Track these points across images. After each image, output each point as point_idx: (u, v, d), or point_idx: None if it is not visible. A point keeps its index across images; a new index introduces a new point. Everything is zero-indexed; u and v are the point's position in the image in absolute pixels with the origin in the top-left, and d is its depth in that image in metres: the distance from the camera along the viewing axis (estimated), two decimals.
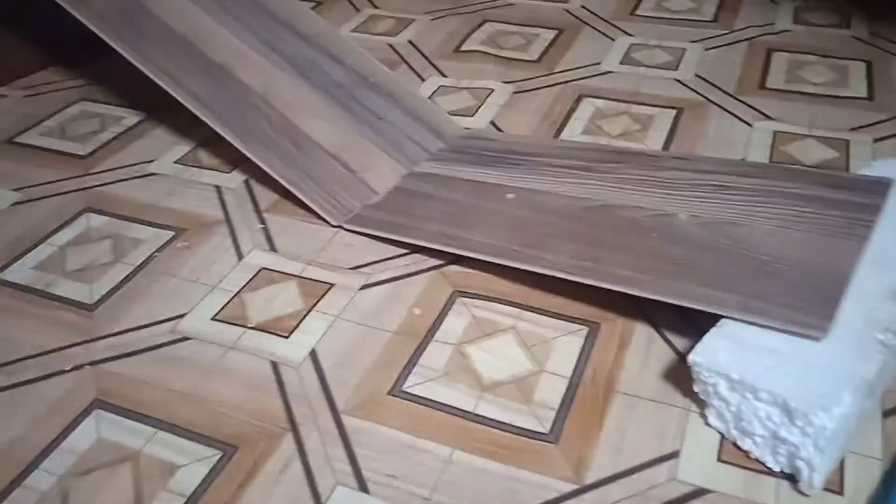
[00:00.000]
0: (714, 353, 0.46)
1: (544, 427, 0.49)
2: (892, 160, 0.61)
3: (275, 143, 0.73)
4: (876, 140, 0.75)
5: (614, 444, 0.47)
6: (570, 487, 0.45)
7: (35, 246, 0.68)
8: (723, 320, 0.49)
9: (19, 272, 0.65)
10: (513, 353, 0.54)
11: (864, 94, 0.83)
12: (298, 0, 0.86)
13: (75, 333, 0.58)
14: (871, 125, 0.78)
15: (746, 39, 0.97)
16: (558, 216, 0.63)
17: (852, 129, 0.77)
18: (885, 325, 0.46)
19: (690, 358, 0.46)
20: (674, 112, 0.83)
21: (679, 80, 0.89)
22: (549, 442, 0.48)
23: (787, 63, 0.91)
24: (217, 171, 0.77)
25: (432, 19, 1.08)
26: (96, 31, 0.75)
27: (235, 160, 0.76)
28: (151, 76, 0.74)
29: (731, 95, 0.85)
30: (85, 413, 0.51)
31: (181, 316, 0.59)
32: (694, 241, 0.57)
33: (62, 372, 0.55)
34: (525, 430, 0.49)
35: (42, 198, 0.75)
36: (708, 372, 0.46)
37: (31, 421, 0.51)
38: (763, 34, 0.98)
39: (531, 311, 0.58)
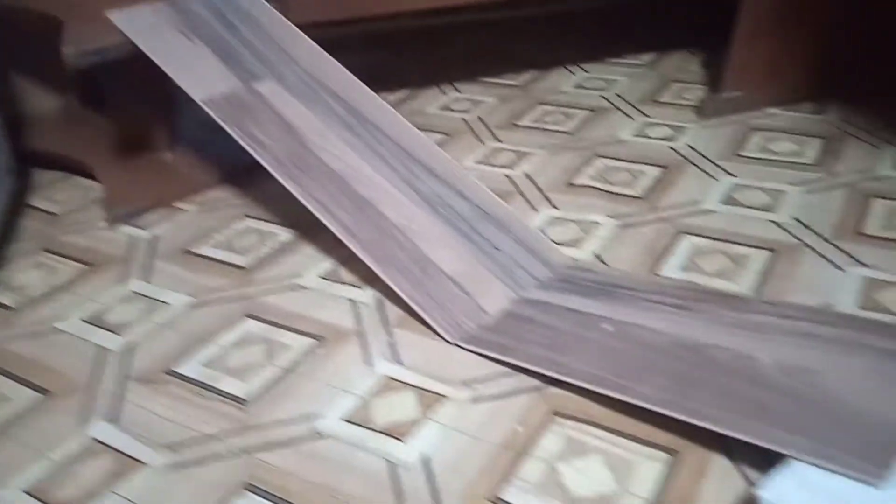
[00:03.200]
0: (780, 490, 0.52)
1: None
2: None
3: (405, 267, 0.85)
4: None
5: None
6: None
7: (204, 346, 0.82)
8: (791, 460, 0.54)
9: (191, 366, 0.79)
10: (600, 473, 0.61)
11: None
12: (433, 143, 1.00)
13: (234, 423, 0.71)
14: None
15: (846, 185, 1.02)
16: (651, 350, 0.71)
17: None
18: None
19: (758, 492, 0.52)
20: (768, 253, 0.89)
21: (776, 222, 0.95)
22: None
23: (886, 210, 0.95)
24: (355, 286, 0.90)
25: (549, 154, 1.20)
26: (271, 171, 0.91)
27: (370, 279, 0.88)
28: (309, 207, 0.89)
29: (826, 240, 0.90)
30: (237, 493, 0.63)
31: (319, 415, 0.70)
32: (773, 385, 0.62)
33: (222, 457, 0.67)
34: None
35: (211, 302, 0.90)
36: None
37: (192, 496, 0.63)
38: (864, 179, 1.03)
39: (620, 436, 0.65)
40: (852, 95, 1.25)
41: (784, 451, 0.55)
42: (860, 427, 0.55)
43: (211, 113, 0.98)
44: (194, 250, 1.02)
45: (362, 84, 1.04)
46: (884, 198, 0.98)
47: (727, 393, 0.62)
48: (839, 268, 0.85)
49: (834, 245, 0.89)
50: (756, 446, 0.57)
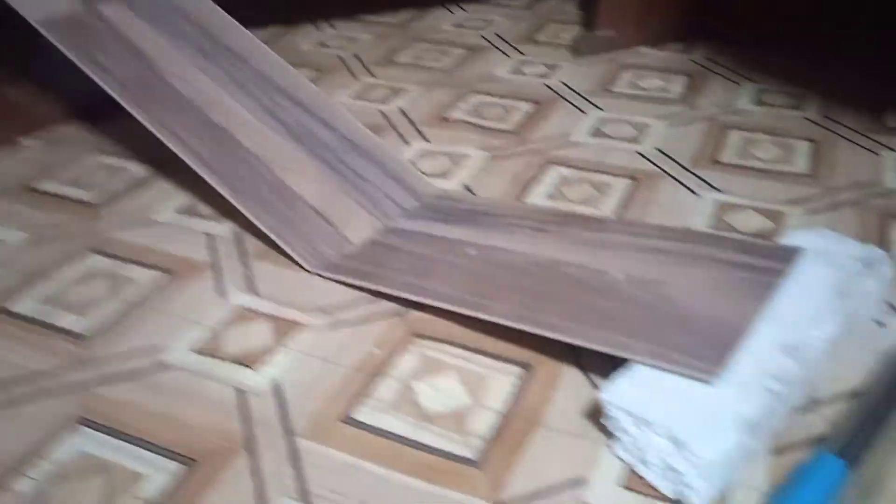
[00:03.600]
0: (620, 392, 0.53)
1: (470, 453, 0.55)
2: (806, 231, 0.68)
3: (265, 199, 0.81)
4: (809, 213, 0.82)
5: (531, 470, 0.53)
6: None
7: (42, 281, 0.76)
8: (634, 364, 0.55)
9: (25, 304, 0.73)
10: (454, 389, 0.61)
11: (806, 171, 0.91)
12: (298, 73, 0.96)
13: (70, 359, 0.66)
14: (807, 199, 0.85)
15: (707, 118, 1.05)
16: (509, 270, 0.70)
17: (789, 203, 0.84)
18: (774, 375, 0.53)
19: (601, 395, 0.53)
20: (631, 181, 0.91)
21: (639, 153, 0.97)
22: (472, 466, 0.54)
23: (741, 140, 0.99)
24: (212, 220, 0.85)
25: (424, 90, 1.18)
26: (117, 97, 0.84)
27: (229, 212, 0.84)
28: (161, 138, 0.83)
29: (684, 168, 0.93)
30: (69, 429, 0.58)
31: (164, 348, 0.66)
32: (622, 296, 0.63)
33: (53, 393, 0.62)
34: (453, 455, 0.55)
35: (53, 239, 0.83)
36: (615, 408, 0.52)
37: (20, 433, 0.58)
38: (723, 113, 1.06)
39: (476, 353, 0.65)
40: (717, 36, 1.29)
41: (626, 356, 0.56)
42: (698, 330, 0.57)
43: (48, 36, 0.89)
44: (37, 187, 0.94)
45: (221, 10, 0.98)
46: (740, 129, 1.02)
47: (579, 306, 0.63)
48: (695, 193, 0.87)
49: (692, 172, 0.92)
50: (606, 358, 0.58)
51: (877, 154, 0.94)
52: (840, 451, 0.50)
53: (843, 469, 0.48)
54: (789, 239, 0.68)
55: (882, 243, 0.76)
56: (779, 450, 0.54)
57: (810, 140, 0.98)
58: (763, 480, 0.52)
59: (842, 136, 0.98)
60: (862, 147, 0.95)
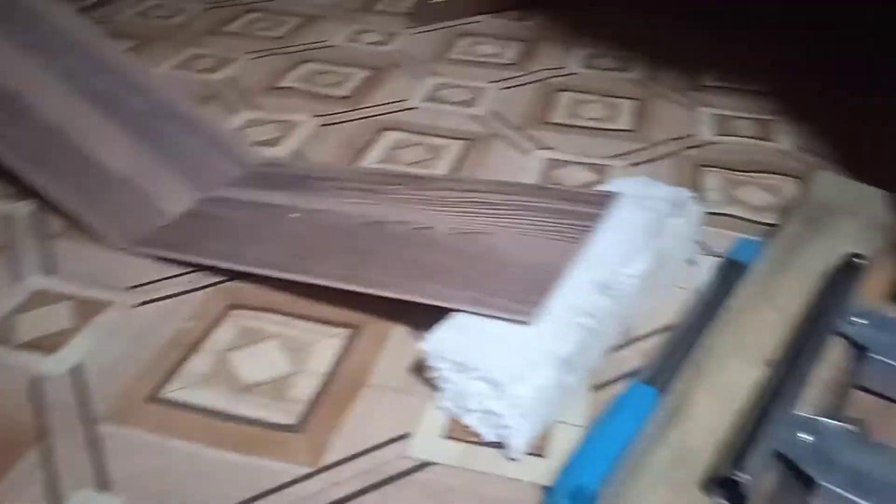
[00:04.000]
0: (440, 340, 0.51)
1: (290, 420, 0.52)
2: (624, 179, 0.70)
3: (64, 171, 0.73)
4: (631, 165, 0.85)
5: (353, 431, 0.51)
6: (306, 471, 0.48)
7: None
8: (454, 313, 0.54)
9: None
10: (275, 357, 0.58)
11: (630, 128, 0.94)
12: (115, 41, 0.88)
13: None
14: (629, 153, 0.88)
15: (539, 81, 1.07)
16: (334, 232, 0.68)
17: (613, 157, 0.87)
18: (587, 312, 0.53)
19: (420, 346, 0.51)
20: (464, 143, 0.90)
21: (473, 115, 0.97)
22: (292, 432, 0.51)
23: (569, 101, 1.01)
24: (7, 199, 0.77)
25: (254, 59, 1.12)
26: None
27: (27, 189, 0.76)
28: None
29: (516, 128, 0.94)
30: None
31: None
32: (446, 249, 0.62)
33: None
34: (272, 424, 0.52)
35: None
36: (435, 357, 0.51)
37: None
38: (553, 76, 1.08)
39: (300, 319, 0.62)
40: (551, 4, 1.32)
41: (448, 306, 0.55)
42: (518, 275, 0.57)
43: None
44: None
45: None
46: (568, 90, 1.04)
47: (404, 262, 0.61)
48: (526, 151, 0.88)
49: (523, 133, 0.92)
50: (436, 313, 0.57)
51: (693, 109, 0.98)
52: (650, 379, 0.51)
53: (654, 395, 0.50)
54: (607, 187, 0.69)
55: (694, 188, 0.80)
56: (598, 386, 0.55)
57: (635, 99, 1.01)
58: (583, 416, 0.52)
59: (663, 95, 1.03)
60: (680, 104, 1.00)
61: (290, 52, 1.15)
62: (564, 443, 0.50)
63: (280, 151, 0.88)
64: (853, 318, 0.55)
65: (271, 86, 1.04)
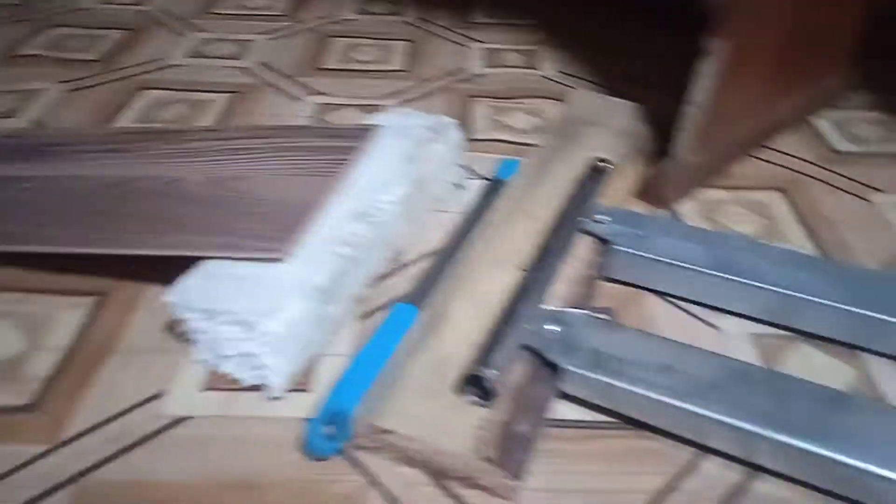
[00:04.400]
0: (186, 290, 0.48)
1: (23, 400, 0.47)
2: (389, 112, 0.69)
3: None
4: (404, 102, 0.85)
5: (100, 400, 0.47)
6: (43, 448, 0.44)
7: None
8: (201, 262, 0.51)
9: None
10: (6, 337, 0.51)
11: (402, 68, 0.93)
12: None
13: None
14: (402, 91, 0.87)
15: (310, 30, 1.04)
16: (74, 197, 0.61)
17: (386, 95, 0.86)
18: (344, 241, 0.52)
19: (165, 299, 0.48)
20: (231, 95, 0.85)
21: (241, 68, 0.92)
22: (27, 413, 0.46)
23: (342, 46, 0.99)
24: None
25: None
26: None
27: None
28: None
29: (287, 77, 0.90)
30: None
31: None
32: (199, 199, 0.58)
33: None
34: (4, 408, 0.46)
35: None
36: (182, 308, 0.47)
37: None
38: (326, 24, 1.06)
39: (36, 294, 0.55)
40: None
41: (196, 254, 0.51)
42: (273, 215, 0.55)
43: None
44: None
45: None
46: (340, 37, 1.01)
47: (152, 218, 0.57)
48: (298, 98, 0.85)
49: (294, 80, 0.89)
50: (190, 268, 0.53)
51: (463, 46, 1.00)
52: (411, 298, 0.51)
53: (414, 313, 0.49)
54: (372, 120, 0.68)
55: (464, 118, 0.81)
56: (366, 314, 0.54)
57: (408, 41, 1.01)
58: (350, 346, 0.51)
59: (435, 35, 1.03)
60: (452, 42, 1.01)
61: (33, 19, 1.03)
62: (330, 374, 0.49)
63: (19, 122, 0.79)
64: (598, 216, 0.57)
65: (8, 55, 0.93)
